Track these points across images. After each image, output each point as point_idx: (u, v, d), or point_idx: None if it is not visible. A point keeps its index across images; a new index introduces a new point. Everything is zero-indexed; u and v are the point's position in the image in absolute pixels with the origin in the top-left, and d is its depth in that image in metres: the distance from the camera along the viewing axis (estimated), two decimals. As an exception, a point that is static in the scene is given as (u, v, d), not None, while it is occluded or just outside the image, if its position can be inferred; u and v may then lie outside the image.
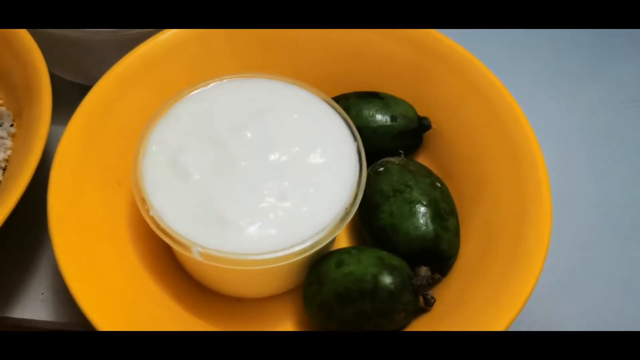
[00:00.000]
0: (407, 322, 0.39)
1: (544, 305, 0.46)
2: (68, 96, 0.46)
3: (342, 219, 0.38)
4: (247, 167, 0.39)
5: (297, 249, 0.36)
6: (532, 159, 0.41)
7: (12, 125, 0.46)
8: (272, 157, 0.39)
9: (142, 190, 0.38)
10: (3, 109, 0.47)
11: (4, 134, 0.45)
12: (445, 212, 0.41)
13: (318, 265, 0.39)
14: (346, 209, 0.38)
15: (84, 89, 0.44)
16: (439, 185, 0.43)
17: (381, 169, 0.43)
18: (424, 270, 0.38)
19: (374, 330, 0.38)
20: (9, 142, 0.45)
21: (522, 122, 0.43)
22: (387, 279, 0.37)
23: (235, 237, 0.36)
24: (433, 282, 0.38)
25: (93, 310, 0.36)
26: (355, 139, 0.41)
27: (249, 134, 0.40)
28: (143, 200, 0.38)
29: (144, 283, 0.41)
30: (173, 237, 0.36)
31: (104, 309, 0.37)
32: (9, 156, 0.45)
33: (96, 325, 0.35)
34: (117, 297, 0.39)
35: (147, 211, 0.37)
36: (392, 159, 0.44)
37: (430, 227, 0.40)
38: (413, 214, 0.41)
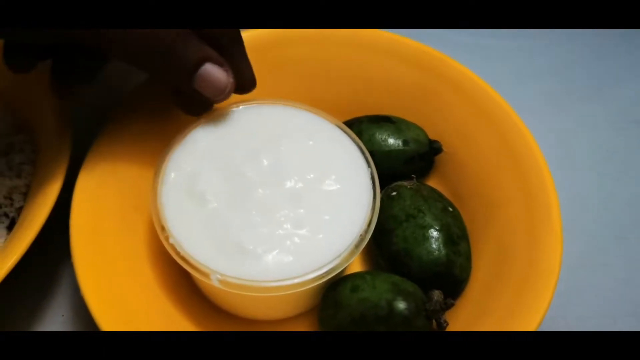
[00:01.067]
0: (420, 346, 0.40)
1: (553, 324, 0.46)
2: (85, 120, 0.47)
3: (357, 245, 0.39)
4: (263, 194, 0.40)
5: (313, 275, 0.37)
6: (542, 183, 0.42)
7: (32, 152, 0.47)
8: (288, 184, 0.40)
9: (161, 218, 0.39)
10: (22, 135, 0.48)
11: (25, 160, 0.46)
12: (457, 237, 0.42)
13: (333, 290, 0.40)
14: (361, 235, 0.39)
15: (101, 112, 0.45)
16: (450, 209, 0.44)
17: (394, 193, 0.44)
18: (436, 295, 0.39)
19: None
20: (29, 168, 0.46)
21: (532, 145, 0.44)
22: (401, 305, 0.38)
23: (253, 264, 0.37)
24: (446, 307, 0.39)
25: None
26: (369, 165, 0.42)
27: (265, 161, 0.41)
28: (162, 228, 0.39)
29: (163, 306, 0.42)
30: (192, 265, 0.37)
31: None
32: (30, 181, 0.46)
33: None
34: (137, 319, 0.39)
35: (167, 239, 0.38)
36: (405, 183, 0.45)
37: (443, 251, 0.41)
38: (426, 238, 0.41)
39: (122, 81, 0.51)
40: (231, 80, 0.40)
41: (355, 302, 0.39)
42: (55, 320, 0.45)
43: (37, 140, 0.47)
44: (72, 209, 0.41)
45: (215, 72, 0.39)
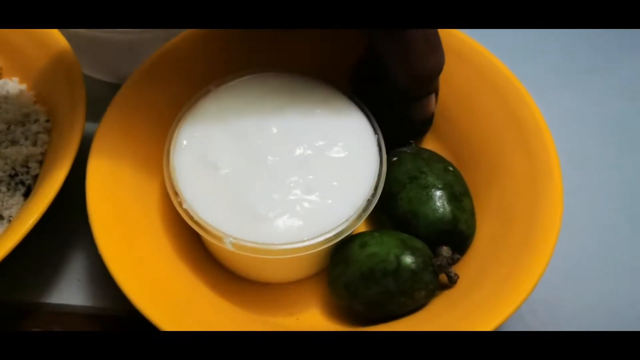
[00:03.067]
0: (428, 300, 0.41)
1: (556, 283, 0.47)
2: (97, 94, 0.48)
3: (365, 209, 0.40)
4: (273, 161, 0.41)
5: (322, 238, 0.39)
6: (544, 147, 0.43)
7: (47, 121, 0.48)
8: (297, 152, 0.41)
9: (174, 183, 0.40)
10: (37, 106, 0.49)
11: (40, 129, 0.47)
12: (460, 194, 0.43)
13: (342, 248, 0.41)
14: (368, 199, 0.40)
15: (113, 87, 0.46)
16: (451, 169, 0.45)
17: (395, 158, 0.45)
18: (444, 250, 0.40)
19: (397, 308, 0.40)
20: (45, 137, 0.47)
21: (533, 110, 0.45)
22: (409, 259, 0.39)
23: (264, 228, 0.39)
24: (452, 262, 0.40)
25: (134, 294, 0.38)
26: (376, 132, 0.43)
27: (274, 129, 0.42)
28: (176, 194, 0.40)
29: (178, 269, 0.43)
30: (206, 229, 0.39)
31: (143, 292, 0.38)
32: (45, 150, 0.47)
33: (139, 307, 0.38)
34: (154, 281, 0.40)
35: (180, 204, 0.40)
36: (405, 149, 0.46)
37: (448, 208, 0.42)
38: (430, 197, 0.42)
39: (132, 57, 0.51)
40: (433, 110, 0.40)
41: (364, 257, 0.40)
42: (71, 284, 0.46)
43: (52, 110, 0.48)
44: (88, 176, 0.42)
45: (433, 104, 0.39)
